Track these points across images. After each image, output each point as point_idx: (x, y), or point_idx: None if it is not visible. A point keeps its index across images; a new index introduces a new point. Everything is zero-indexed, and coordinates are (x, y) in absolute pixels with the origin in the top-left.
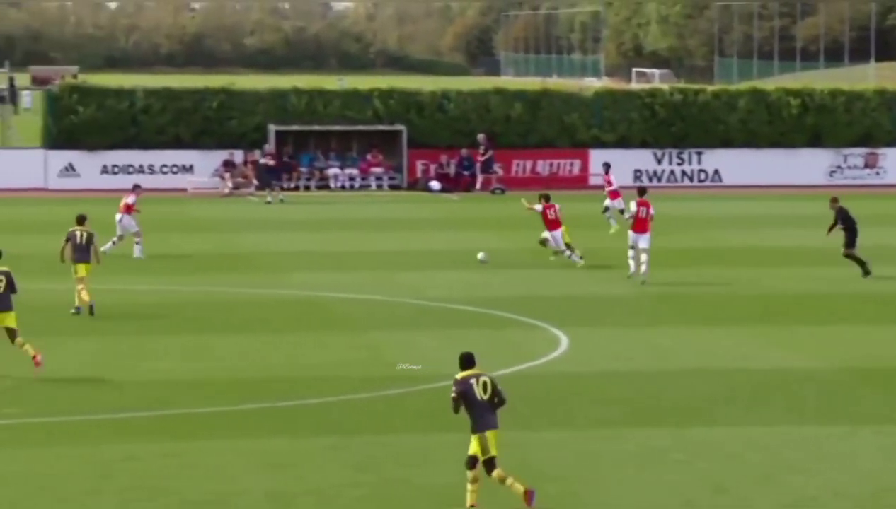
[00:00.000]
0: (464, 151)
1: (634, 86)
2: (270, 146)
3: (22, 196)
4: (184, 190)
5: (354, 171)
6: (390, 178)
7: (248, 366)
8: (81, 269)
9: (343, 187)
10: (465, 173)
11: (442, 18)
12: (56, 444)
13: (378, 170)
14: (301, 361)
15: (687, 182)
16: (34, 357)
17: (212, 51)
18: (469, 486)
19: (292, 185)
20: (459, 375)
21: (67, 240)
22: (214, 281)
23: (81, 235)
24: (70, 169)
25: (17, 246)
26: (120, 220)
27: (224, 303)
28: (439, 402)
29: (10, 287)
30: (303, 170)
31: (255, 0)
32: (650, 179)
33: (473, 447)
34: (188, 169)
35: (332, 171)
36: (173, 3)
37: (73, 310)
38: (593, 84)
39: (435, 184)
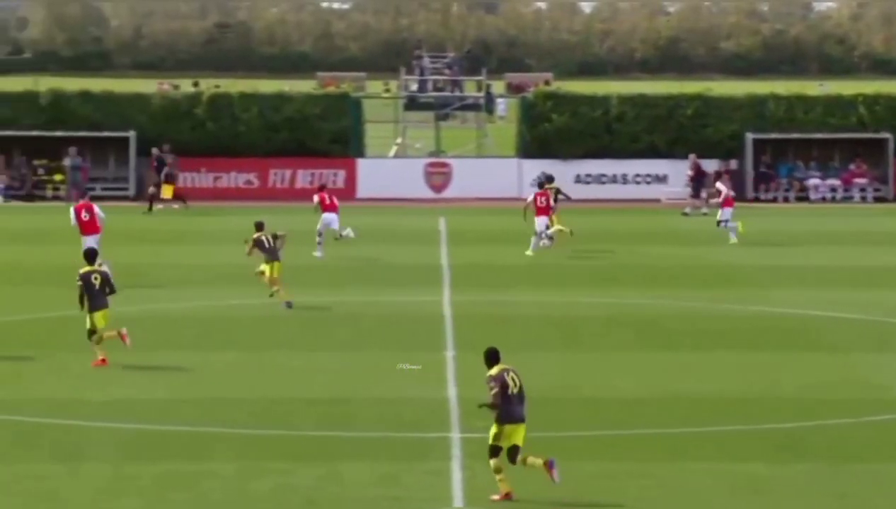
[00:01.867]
0: None
1: None
2: (694, 156)
3: (497, 205)
4: (657, 200)
5: (836, 182)
6: (875, 190)
7: (722, 384)
8: (276, 269)
9: (823, 199)
10: None
11: None
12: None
13: (862, 180)
14: (777, 382)
15: None
16: (101, 359)
17: (686, 55)
18: (527, 468)
19: (770, 196)
20: (494, 371)
21: (255, 245)
22: (686, 295)
23: (268, 238)
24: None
25: (496, 256)
26: (331, 222)
27: (694, 317)
28: None
29: (107, 286)
30: (781, 180)
31: (731, 2)
32: None
33: (505, 438)
34: (661, 179)
35: (811, 182)
36: (649, 6)
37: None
38: None
39: None
